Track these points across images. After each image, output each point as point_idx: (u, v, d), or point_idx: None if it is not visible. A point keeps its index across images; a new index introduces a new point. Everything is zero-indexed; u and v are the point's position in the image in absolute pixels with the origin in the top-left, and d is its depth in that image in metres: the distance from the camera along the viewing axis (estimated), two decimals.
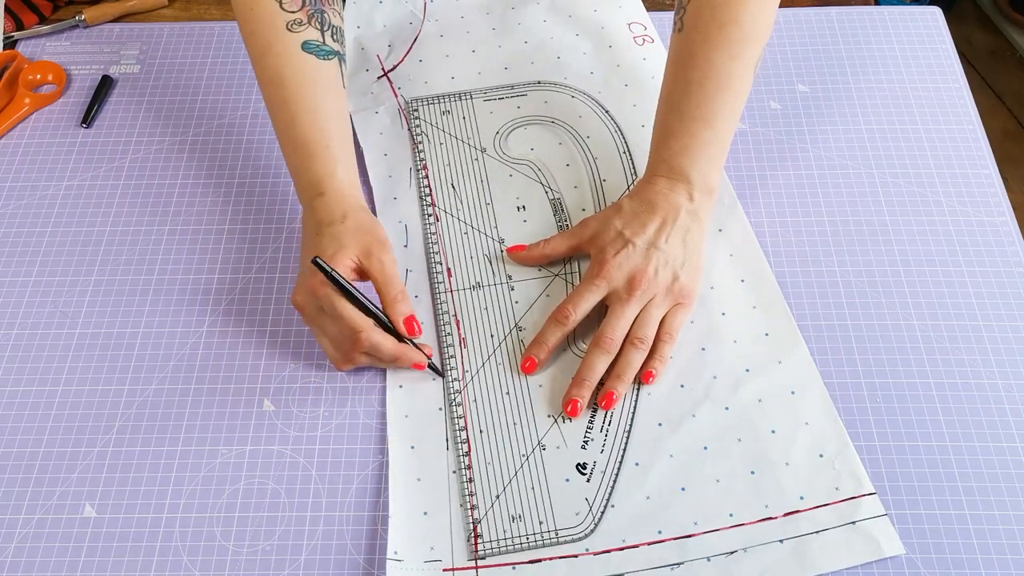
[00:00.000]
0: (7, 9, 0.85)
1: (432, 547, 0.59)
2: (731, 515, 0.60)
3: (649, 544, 0.59)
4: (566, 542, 0.59)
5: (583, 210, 0.74)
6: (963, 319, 0.68)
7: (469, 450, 0.63)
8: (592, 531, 0.59)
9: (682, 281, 0.66)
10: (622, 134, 0.77)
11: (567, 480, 0.61)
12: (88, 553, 0.60)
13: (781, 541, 0.59)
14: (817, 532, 0.59)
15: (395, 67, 0.82)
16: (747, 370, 0.65)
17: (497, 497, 0.61)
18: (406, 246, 0.72)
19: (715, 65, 0.66)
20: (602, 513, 0.60)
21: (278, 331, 0.68)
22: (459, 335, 0.67)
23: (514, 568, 0.58)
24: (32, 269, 0.72)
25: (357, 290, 0.63)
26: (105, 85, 0.82)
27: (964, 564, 0.58)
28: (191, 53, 0.85)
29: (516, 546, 0.59)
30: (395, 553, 0.58)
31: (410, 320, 0.64)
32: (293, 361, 0.67)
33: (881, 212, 0.73)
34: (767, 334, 0.67)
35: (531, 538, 0.59)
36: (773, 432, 0.62)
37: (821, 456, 0.61)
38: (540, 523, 0.60)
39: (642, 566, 0.58)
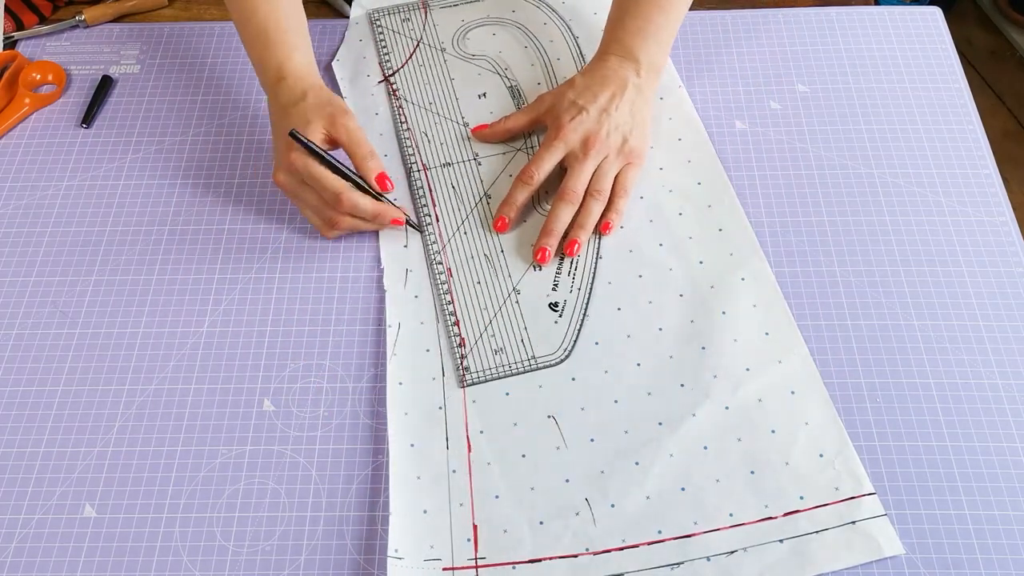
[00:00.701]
0: (7, 9, 0.85)
1: (432, 546, 0.59)
2: (731, 515, 0.60)
3: (649, 544, 0.59)
4: (544, 367, 0.66)
5: (538, 86, 0.80)
6: (963, 319, 0.68)
7: (452, 300, 0.69)
8: (566, 358, 0.66)
9: (631, 143, 0.73)
10: (571, 31, 0.84)
11: (541, 316, 0.68)
12: (88, 553, 0.60)
13: (781, 541, 0.59)
14: (817, 532, 0.59)
15: (395, 72, 0.82)
16: (747, 369, 0.65)
17: (480, 335, 0.67)
18: (406, 246, 0.72)
19: None
20: (574, 343, 0.67)
21: (278, 331, 0.68)
22: (433, 206, 0.73)
23: (514, 568, 0.58)
24: (32, 269, 0.72)
25: (332, 157, 0.68)
26: (105, 85, 0.82)
27: (964, 564, 0.58)
28: (191, 53, 0.85)
29: (500, 374, 0.66)
30: (395, 551, 0.58)
31: (382, 176, 0.70)
32: (293, 361, 0.67)
33: (881, 212, 0.73)
34: (767, 333, 0.67)
35: (513, 366, 0.66)
36: (773, 432, 0.62)
37: (821, 456, 0.61)
38: (520, 352, 0.66)
39: (642, 566, 0.58)
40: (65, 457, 0.63)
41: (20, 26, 0.86)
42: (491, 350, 0.67)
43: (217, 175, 0.77)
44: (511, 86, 0.81)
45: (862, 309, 0.69)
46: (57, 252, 0.73)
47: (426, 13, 0.86)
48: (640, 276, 0.69)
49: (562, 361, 0.66)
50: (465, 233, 0.72)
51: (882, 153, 0.76)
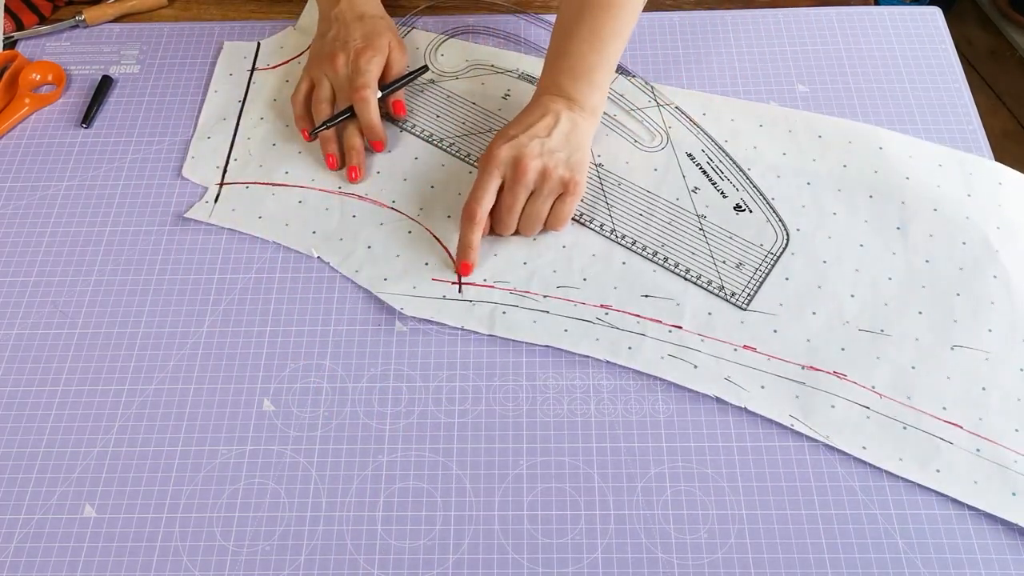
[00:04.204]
0: (7, 9, 0.85)
1: None
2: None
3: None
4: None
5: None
6: None
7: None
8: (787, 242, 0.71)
9: (567, 171, 0.69)
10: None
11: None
12: (88, 553, 0.60)
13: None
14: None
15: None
16: None
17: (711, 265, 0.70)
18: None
19: None
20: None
21: (278, 331, 0.68)
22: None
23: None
24: (32, 269, 0.72)
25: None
26: (105, 85, 0.82)
27: (964, 564, 0.58)
28: (191, 53, 0.85)
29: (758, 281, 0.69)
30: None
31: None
32: (293, 361, 0.67)
33: None
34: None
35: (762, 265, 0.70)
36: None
37: None
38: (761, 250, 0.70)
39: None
40: (65, 457, 0.63)
41: (20, 26, 0.86)
42: (733, 267, 0.69)
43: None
44: (521, 74, 0.81)
45: None
46: (57, 252, 0.73)
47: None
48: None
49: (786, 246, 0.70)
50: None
51: None
